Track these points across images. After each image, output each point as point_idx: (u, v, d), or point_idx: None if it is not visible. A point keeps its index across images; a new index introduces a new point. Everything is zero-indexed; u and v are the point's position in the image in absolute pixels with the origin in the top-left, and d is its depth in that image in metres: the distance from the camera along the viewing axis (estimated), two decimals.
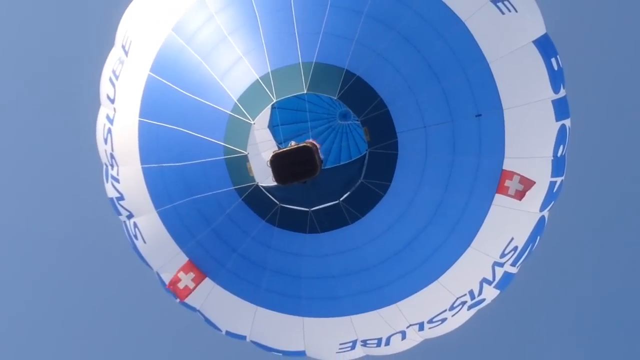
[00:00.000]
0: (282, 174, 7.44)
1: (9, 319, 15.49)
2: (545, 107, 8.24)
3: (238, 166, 7.67)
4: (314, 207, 7.72)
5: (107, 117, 8.55)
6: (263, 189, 7.67)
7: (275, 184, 7.58)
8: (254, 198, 7.73)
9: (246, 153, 7.61)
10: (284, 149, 7.48)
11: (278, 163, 7.42)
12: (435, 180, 7.86)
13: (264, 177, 7.78)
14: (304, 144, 7.49)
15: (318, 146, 7.64)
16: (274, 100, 7.57)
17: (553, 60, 8.27)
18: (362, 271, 8.10)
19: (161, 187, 8.16)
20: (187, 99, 7.88)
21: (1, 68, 14.74)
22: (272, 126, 9.01)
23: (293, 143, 7.63)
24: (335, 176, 7.83)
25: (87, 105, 9.14)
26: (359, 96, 7.61)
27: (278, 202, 7.71)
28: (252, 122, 7.57)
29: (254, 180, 7.67)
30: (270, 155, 7.47)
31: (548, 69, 8.23)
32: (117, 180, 8.54)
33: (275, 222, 7.81)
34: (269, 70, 7.65)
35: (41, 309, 15.38)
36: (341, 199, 7.68)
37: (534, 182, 8.09)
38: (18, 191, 15.24)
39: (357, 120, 7.93)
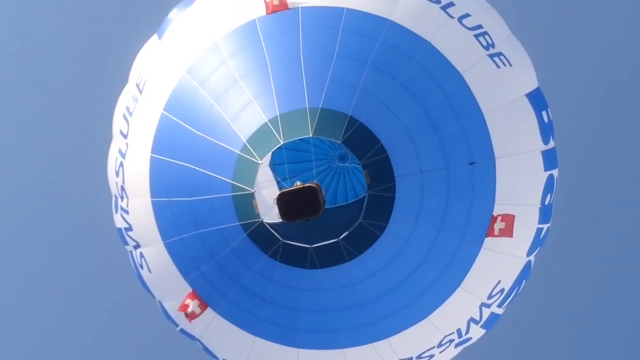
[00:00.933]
0: (287, 211, 7.78)
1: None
2: (534, 157, 8.63)
3: (244, 203, 8.01)
4: (315, 244, 8.07)
5: (120, 151, 8.91)
6: (267, 225, 8.01)
7: (279, 220, 7.91)
8: (258, 233, 8.07)
9: (253, 191, 7.95)
10: (290, 188, 7.83)
11: (284, 201, 7.78)
12: (430, 223, 8.21)
13: (268, 214, 8.19)
14: (309, 184, 7.85)
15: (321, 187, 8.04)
16: (282, 142, 7.92)
17: (544, 113, 8.68)
18: (357, 307, 8.43)
19: (169, 220, 8.50)
20: (198, 138, 8.25)
21: (15, 100, 15.14)
22: (273, 165, 9.42)
23: (298, 183, 7.99)
24: (336, 215, 8.32)
25: (99, 139, 9.55)
26: (361, 141, 7.99)
27: (281, 238, 8.05)
28: (260, 162, 7.93)
29: (259, 217, 8.00)
30: (277, 194, 7.83)
31: (539, 121, 8.64)
32: (127, 212, 8.88)
33: (277, 257, 8.14)
34: (277, 114, 8.02)
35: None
36: (340, 238, 8.04)
37: (514, 215, 8.46)
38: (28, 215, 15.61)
39: (357, 164, 8.37)
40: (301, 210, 7.81)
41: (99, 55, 14.64)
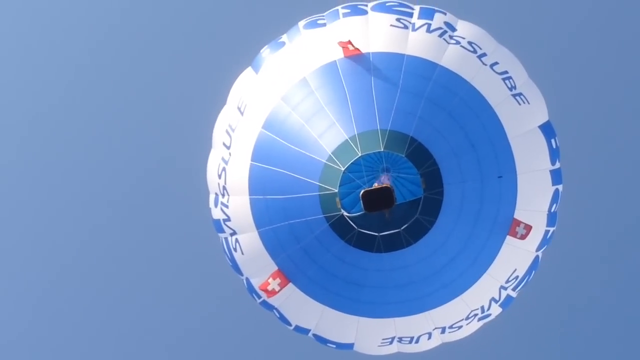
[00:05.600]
0: (369, 205, 9.54)
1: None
2: (545, 174, 10.37)
3: (329, 200, 9.78)
4: (382, 232, 9.80)
5: (223, 159, 10.70)
6: (347, 218, 9.88)
7: (356, 214, 9.66)
8: (338, 224, 9.85)
9: (336, 191, 9.77)
10: (372, 188, 9.51)
11: (367, 197, 9.56)
12: (467, 221, 9.92)
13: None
14: (385, 185, 9.57)
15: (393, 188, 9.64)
16: (359, 155, 9.71)
17: (553, 140, 10.46)
18: (409, 284, 10.19)
19: (264, 213, 10.25)
20: (291, 150, 10.04)
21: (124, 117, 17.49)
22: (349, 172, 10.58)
23: (376, 184, 9.63)
24: (398, 211, 9.85)
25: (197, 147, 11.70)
26: (419, 156, 9.75)
27: (356, 228, 9.81)
28: (343, 169, 9.72)
29: (340, 211, 9.85)
30: (362, 191, 9.56)
31: (549, 147, 10.41)
32: (227, 206, 10.67)
33: (352, 243, 9.86)
34: (356, 133, 9.81)
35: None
36: (402, 228, 9.86)
37: (532, 227, 10.22)
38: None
39: (399, 175, 9.85)
40: (379, 204, 9.60)
41: (195, 80, 16.99)
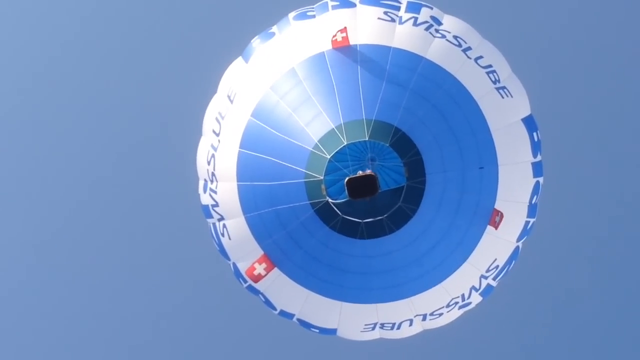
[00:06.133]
0: (353, 192, 9.79)
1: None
2: (526, 167, 10.49)
3: (314, 187, 10.01)
4: (365, 219, 9.98)
5: (212, 145, 10.91)
6: (331, 204, 10.09)
7: (340, 200, 9.90)
8: (323, 210, 10.08)
9: (321, 178, 9.99)
10: (356, 175, 9.67)
11: (351, 184, 9.79)
12: (448, 210, 10.07)
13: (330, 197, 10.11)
14: (369, 173, 9.85)
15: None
16: (345, 143, 9.94)
17: (534, 134, 10.56)
18: (391, 271, 10.39)
19: (251, 199, 10.46)
20: (278, 138, 10.26)
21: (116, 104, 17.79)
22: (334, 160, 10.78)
23: (360, 172, 9.89)
24: (382, 198, 10.06)
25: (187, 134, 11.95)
26: (403, 145, 9.96)
27: (341, 214, 9.99)
28: (328, 157, 9.96)
29: (325, 198, 10.07)
30: (346, 179, 9.79)
31: (530, 139, 10.52)
32: (215, 192, 10.87)
33: (336, 229, 10.09)
34: (342, 122, 10.02)
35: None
36: (385, 215, 10.08)
37: (504, 214, 10.26)
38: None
39: (383, 164, 10.07)
40: (363, 191, 9.83)
41: (187, 69, 17.30)
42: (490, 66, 10.57)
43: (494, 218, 10.25)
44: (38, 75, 18.33)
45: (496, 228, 10.36)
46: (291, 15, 11.07)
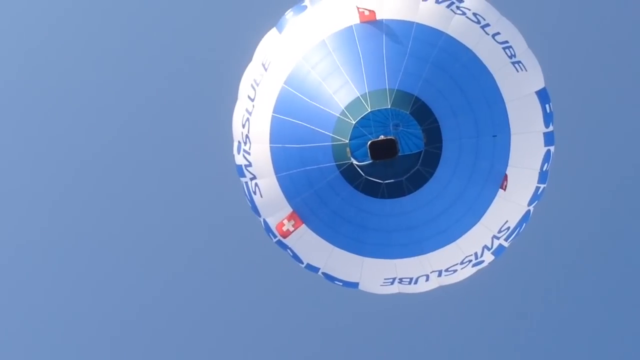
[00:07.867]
0: (375, 154, 10.25)
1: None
2: (538, 136, 10.96)
3: (340, 150, 10.66)
4: (386, 180, 10.53)
5: (247, 110, 11.61)
6: (355, 166, 10.80)
7: (364, 162, 10.56)
8: (348, 171, 10.56)
9: (347, 141, 10.69)
10: (378, 139, 10.29)
11: (373, 147, 10.47)
12: (463, 174, 10.56)
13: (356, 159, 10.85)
14: (390, 137, 10.26)
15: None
16: (369, 110, 10.62)
17: (547, 105, 11.03)
18: (409, 229, 11.01)
19: (282, 160, 11.10)
20: (309, 105, 10.93)
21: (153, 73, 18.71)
22: (360, 126, 11.31)
23: (382, 136, 10.31)
24: (401, 162, 10.79)
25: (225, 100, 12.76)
26: (422, 114, 10.57)
27: (364, 175, 10.50)
28: (354, 122, 10.67)
29: (350, 160, 10.81)
30: (369, 142, 10.49)
31: (543, 111, 11.01)
32: (249, 153, 11.56)
33: (360, 189, 10.76)
34: (367, 91, 10.52)
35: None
36: (404, 177, 10.80)
37: (507, 175, 10.81)
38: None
39: (408, 130, 10.75)
40: (384, 154, 10.53)
41: (225, 39, 18.23)
42: (506, 42, 11.03)
43: (504, 182, 10.76)
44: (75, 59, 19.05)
45: (504, 189, 10.99)
46: None
